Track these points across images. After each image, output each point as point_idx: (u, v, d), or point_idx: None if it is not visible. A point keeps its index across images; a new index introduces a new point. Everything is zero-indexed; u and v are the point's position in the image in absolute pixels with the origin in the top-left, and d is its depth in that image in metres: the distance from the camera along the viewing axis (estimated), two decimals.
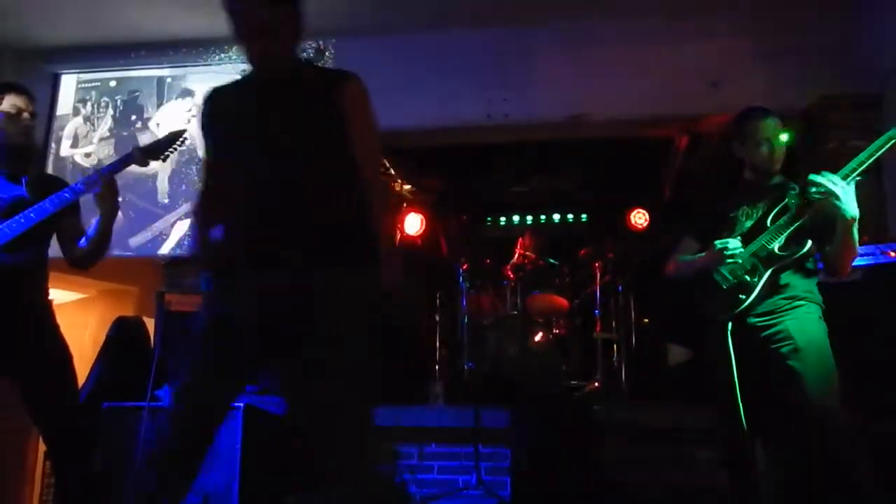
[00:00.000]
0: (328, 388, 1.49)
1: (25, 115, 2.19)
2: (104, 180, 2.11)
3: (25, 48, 4.13)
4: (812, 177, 1.97)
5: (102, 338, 3.28)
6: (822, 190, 1.94)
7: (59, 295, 4.58)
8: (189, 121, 4.07)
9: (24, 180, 2.17)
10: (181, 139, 2.29)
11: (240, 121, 1.63)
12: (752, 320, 2.10)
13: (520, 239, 4.77)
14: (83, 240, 2.20)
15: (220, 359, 1.51)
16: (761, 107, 2.26)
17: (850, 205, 1.94)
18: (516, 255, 4.62)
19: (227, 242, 1.60)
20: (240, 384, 1.65)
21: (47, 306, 2.19)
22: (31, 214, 2.05)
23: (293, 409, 1.62)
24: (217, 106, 1.69)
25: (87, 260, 2.23)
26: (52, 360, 2.09)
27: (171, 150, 2.28)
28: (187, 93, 4.13)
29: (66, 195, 2.10)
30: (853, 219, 1.95)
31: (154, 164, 3.95)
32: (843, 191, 1.93)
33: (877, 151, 1.95)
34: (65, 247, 2.25)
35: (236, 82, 1.75)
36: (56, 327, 2.15)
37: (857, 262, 2.56)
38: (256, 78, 1.68)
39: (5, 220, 2.04)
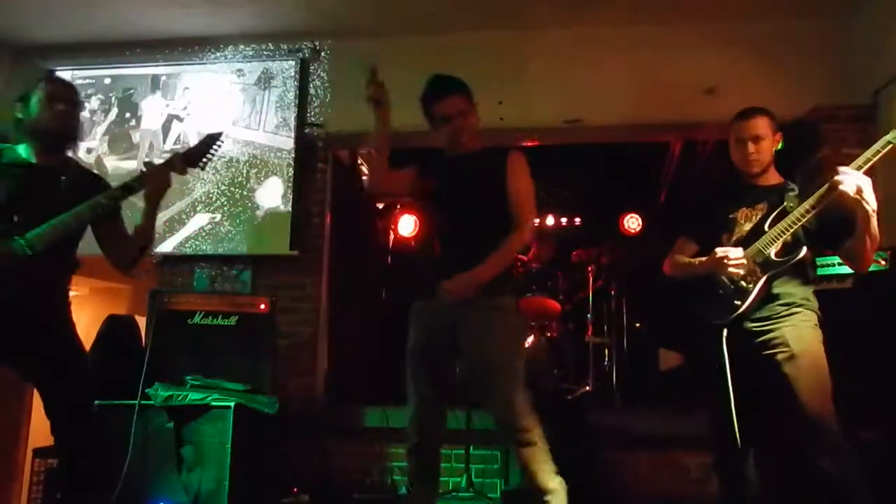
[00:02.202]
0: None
1: (61, 103, 2.14)
2: (151, 181, 2.11)
3: (21, 44, 4.12)
4: (839, 176, 1.92)
5: (94, 336, 3.27)
6: (849, 183, 1.89)
7: None
8: (182, 119, 4.06)
9: (62, 178, 2.12)
10: (219, 142, 2.26)
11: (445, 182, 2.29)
12: (748, 325, 2.09)
13: None
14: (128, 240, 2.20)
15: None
16: (754, 107, 2.24)
17: (871, 197, 1.91)
18: None
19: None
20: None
21: (68, 308, 2.18)
22: (68, 220, 2.00)
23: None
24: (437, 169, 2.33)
25: (131, 258, 2.22)
26: (73, 359, 2.10)
27: (209, 155, 2.25)
28: (182, 90, 4.12)
29: (102, 201, 2.07)
30: (874, 210, 1.92)
31: (145, 161, 3.96)
32: (867, 184, 1.90)
33: (874, 156, 1.93)
34: (107, 251, 2.23)
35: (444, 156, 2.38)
36: (76, 334, 2.15)
37: (848, 269, 2.59)
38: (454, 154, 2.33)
39: (42, 221, 1.98)
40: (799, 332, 2.04)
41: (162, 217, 3.92)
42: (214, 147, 2.25)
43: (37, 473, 2.84)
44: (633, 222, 5.12)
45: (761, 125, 2.19)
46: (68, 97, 2.19)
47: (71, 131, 2.19)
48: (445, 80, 2.34)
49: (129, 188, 2.11)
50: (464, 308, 2.09)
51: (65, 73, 4.18)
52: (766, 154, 2.20)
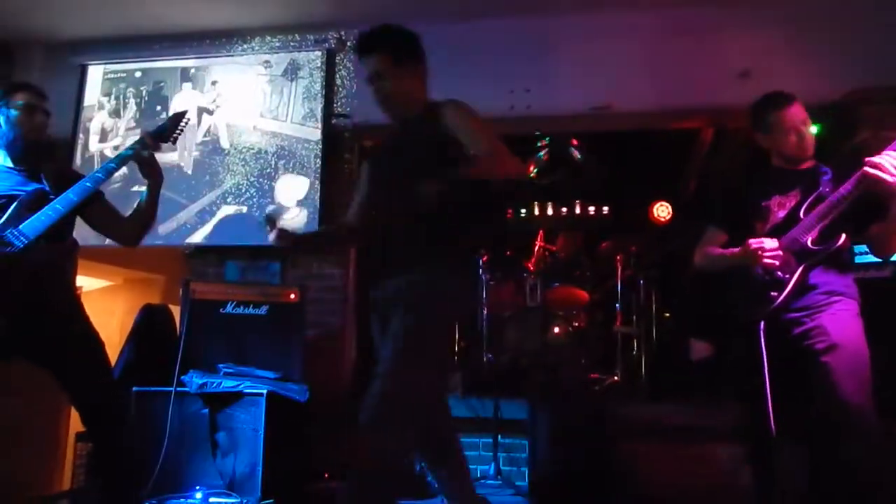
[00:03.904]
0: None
1: (39, 113, 2.22)
2: (140, 156, 2.17)
3: (53, 40, 4.20)
4: (873, 159, 1.86)
5: (128, 325, 3.35)
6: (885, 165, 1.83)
7: (86, 282, 4.69)
8: (212, 112, 4.11)
9: (42, 176, 2.18)
10: (184, 120, 2.34)
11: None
12: (787, 317, 2.03)
13: (540, 231, 4.75)
14: (130, 216, 2.27)
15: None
16: (784, 92, 2.17)
17: None
18: (537, 248, 4.61)
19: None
20: None
21: (75, 298, 2.23)
22: (58, 206, 2.07)
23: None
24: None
25: (134, 234, 2.29)
26: (84, 345, 2.14)
27: (177, 132, 2.32)
28: (210, 83, 4.17)
29: (88, 184, 2.13)
30: None
31: (177, 154, 4.03)
32: None
33: None
34: (105, 231, 2.30)
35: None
36: (85, 316, 2.20)
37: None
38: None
39: (31, 214, 2.05)
40: (839, 321, 1.98)
41: (193, 209, 3.99)
42: (181, 125, 2.33)
43: (79, 457, 2.93)
44: (662, 211, 5.05)
45: (802, 109, 2.13)
46: (45, 107, 2.26)
47: (47, 141, 2.28)
48: (367, 35, 2.00)
49: (109, 170, 2.18)
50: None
51: (96, 68, 4.27)
52: (812, 137, 2.14)
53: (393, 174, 1.94)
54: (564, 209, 5.42)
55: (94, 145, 4.20)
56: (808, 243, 2.01)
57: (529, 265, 4.50)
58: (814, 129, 2.19)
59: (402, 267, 1.86)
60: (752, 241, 2.06)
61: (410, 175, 1.79)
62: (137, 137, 2.29)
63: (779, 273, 2.02)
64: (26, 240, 2.01)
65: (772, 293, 2.03)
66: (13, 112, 2.19)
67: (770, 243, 2.03)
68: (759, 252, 2.02)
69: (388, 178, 1.97)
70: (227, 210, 3.96)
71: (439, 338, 1.92)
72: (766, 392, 1.97)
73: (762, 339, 2.00)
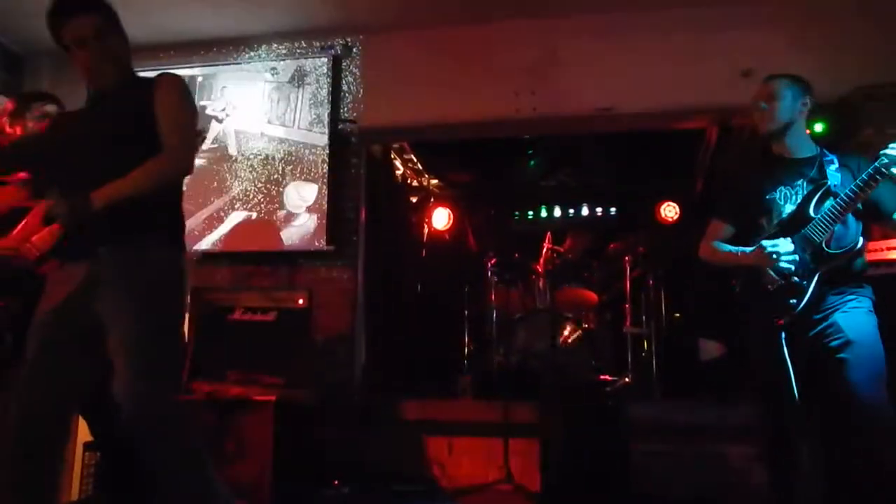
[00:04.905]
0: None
1: None
2: None
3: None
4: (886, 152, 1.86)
5: None
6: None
7: None
8: (222, 120, 4.14)
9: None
10: (200, 139, 2.35)
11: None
12: (803, 319, 2.00)
13: (548, 233, 4.74)
14: None
15: None
16: (778, 73, 2.19)
17: None
18: (545, 250, 4.60)
19: None
20: None
21: None
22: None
23: None
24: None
25: None
26: None
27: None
28: (219, 92, 4.20)
29: None
30: None
31: None
32: None
33: None
34: None
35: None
36: None
37: None
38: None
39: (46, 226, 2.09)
40: (853, 318, 1.97)
41: (201, 215, 4.01)
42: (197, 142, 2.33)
43: (87, 467, 2.94)
44: (669, 211, 5.03)
45: (776, 85, 2.12)
46: None
47: None
48: None
49: None
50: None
51: None
52: (781, 113, 2.09)
53: (90, 143, 1.84)
54: (572, 211, 5.41)
55: None
56: (825, 246, 1.98)
57: (538, 267, 4.50)
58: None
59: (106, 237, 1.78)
60: (766, 242, 2.02)
61: (107, 148, 1.79)
62: None
63: (795, 277, 1.98)
64: (38, 252, 2.03)
65: (791, 300, 1.99)
66: (32, 121, 2.21)
67: (785, 245, 1.99)
68: (775, 255, 1.99)
69: (81, 145, 1.87)
70: (235, 216, 3.98)
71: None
72: (789, 393, 1.95)
73: (783, 342, 1.98)
